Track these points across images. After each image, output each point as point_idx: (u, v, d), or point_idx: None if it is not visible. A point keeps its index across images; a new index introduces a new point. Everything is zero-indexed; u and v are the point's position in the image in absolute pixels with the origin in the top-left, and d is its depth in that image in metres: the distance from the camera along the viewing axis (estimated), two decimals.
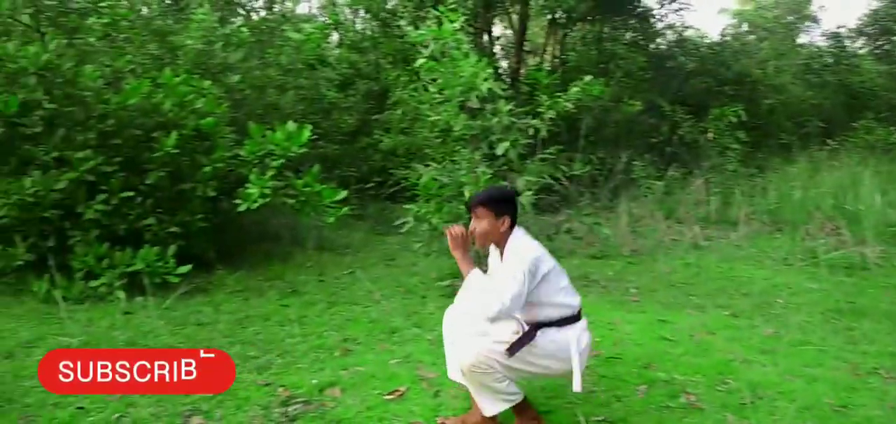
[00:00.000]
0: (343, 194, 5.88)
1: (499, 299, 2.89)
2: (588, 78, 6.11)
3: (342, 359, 4.01)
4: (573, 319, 3.07)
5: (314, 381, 3.62)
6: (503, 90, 5.13)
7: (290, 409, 3.31)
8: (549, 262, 3.05)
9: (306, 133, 5.69)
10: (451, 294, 5.27)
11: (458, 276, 5.42)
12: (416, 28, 9.41)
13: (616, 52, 11.95)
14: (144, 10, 7.68)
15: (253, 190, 5.52)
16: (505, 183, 5.25)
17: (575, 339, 3.01)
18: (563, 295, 3.05)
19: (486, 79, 4.94)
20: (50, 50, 5.02)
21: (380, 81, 10.03)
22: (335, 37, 11.84)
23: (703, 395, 3.56)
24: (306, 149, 5.77)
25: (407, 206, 5.63)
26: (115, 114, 5.40)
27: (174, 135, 5.43)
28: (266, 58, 8.76)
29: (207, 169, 5.69)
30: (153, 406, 3.32)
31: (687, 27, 14.25)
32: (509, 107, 5.03)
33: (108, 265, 5.21)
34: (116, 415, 3.20)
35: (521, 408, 3.13)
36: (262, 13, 10.71)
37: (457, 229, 3.13)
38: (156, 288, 5.13)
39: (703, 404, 3.45)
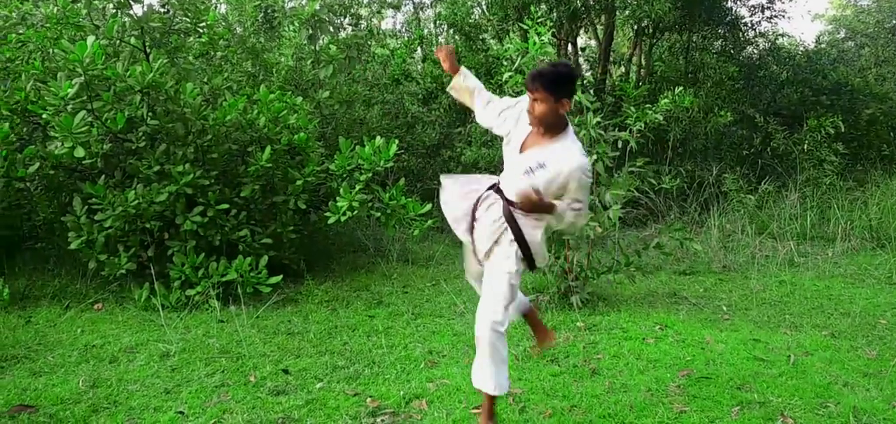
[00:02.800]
0: (427, 207, 5.95)
1: (582, 211, 3.00)
2: (678, 89, 5.98)
3: (428, 371, 4.05)
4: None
5: (401, 392, 3.66)
6: (590, 102, 5.07)
7: (378, 420, 3.37)
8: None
9: (393, 147, 5.80)
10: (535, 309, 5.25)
11: (542, 290, 5.42)
12: (501, 42, 9.49)
13: (705, 61, 11.61)
14: (239, 29, 8.01)
15: (342, 203, 5.66)
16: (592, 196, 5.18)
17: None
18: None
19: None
20: (154, 69, 5.29)
21: None
22: (419, 51, 12.01)
23: (802, 419, 3.41)
24: (391, 162, 5.88)
25: None
26: (213, 129, 5.64)
27: (268, 149, 5.62)
28: (353, 74, 8.98)
29: (299, 182, 5.86)
30: (248, 412, 3.44)
31: (780, 35, 13.73)
32: (597, 119, 4.96)
33: (203, 274, 5.44)
34: (213, 421, 3.32)
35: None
36: (349, 30, 10.99)
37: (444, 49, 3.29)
38: (248, 297, 5.33)
39: None
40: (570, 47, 11.06)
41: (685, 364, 4.16)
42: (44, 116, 5.19)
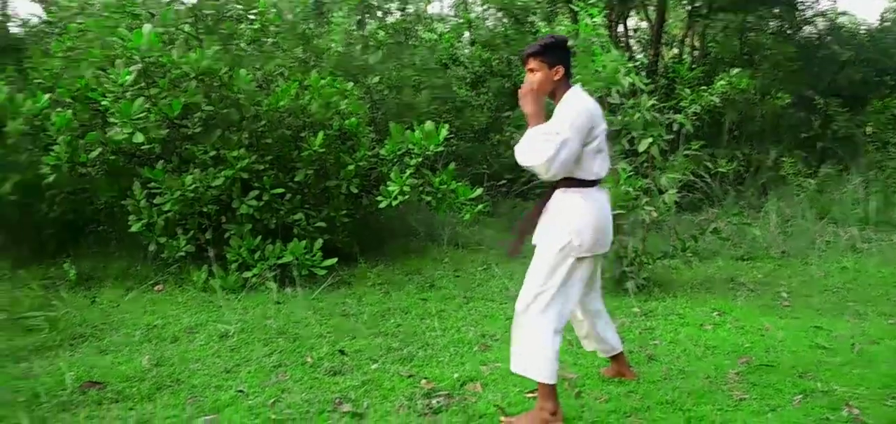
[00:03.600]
0: (478, 192, 5.94)
1: (552, 141, 2.89)
2: (735, 70, 5.83)
3: (481, 355, 4.04)
4: (592, 184, 3.10)
5: (455, 375, 3.67)
6: (644, 84, 4.98)
7: (433, 401, 3.37)
8: (602, 125, 3.07)
9: (444, 132, 5.79)
10: None
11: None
12: (550, 24, 9.38)
13: (761, 42, 11.29)
14: (289, 16, 8.08)
15: (393, 187, 5.69)
16: (646, 180, 5.10)
17: (602, 203, 3.12)
18: (598, 162, 3.08)
19: (627, 74, 4.82)
20: (208, 56, 5.38)
21: (512, 78, 10.02)
22: (467, 35, 11.95)
23: (868, 409, 3.30)
24: (441, 147, 5.88)
25: None
26: (267, 115, 5.72)
27: (321, 134, 5.67)
28: (402, 59, 8.98)
29: (351, 167, 5.91)
30: (305, 391, 3.49)
31: (841, 13, 13.26)
32: (652, 101, 4.87)
33: (260, 257, 5.54)
34: (272, 400, 3.38)
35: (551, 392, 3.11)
36: (397, 15, 10.99)
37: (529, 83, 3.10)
38: (303, 279, 5.40)
39: (868, 419, 3.19)
40: (620, 28, 10.88)
41: (744, 351, 4.07)
42: (104, 103, 5.32)
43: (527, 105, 3.06)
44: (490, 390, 3.52)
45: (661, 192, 5.12)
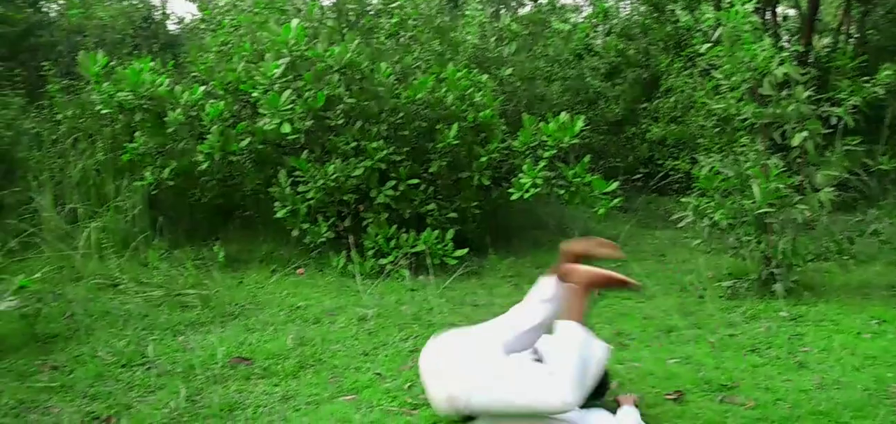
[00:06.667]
0: (614, 186, 5.80)
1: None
2: None
3: (617, 353, 3.94)
4: None
5: None
6: (800, 74, 4.66)
7: None
8: None
9: (579, 123, 5.70)
10: (731, 295, 4.96)
11: (740, 276, 5.09)
12: (691, 12, 8.98)
13: None
14: (425, 8, 8.22)
15: (525, 179, 5.66)
16: (799, 177, 4.78)
17: None
18: None
19: (781, 63, 4.53)
20: (351, 50, 5.56)
21: (649, 69, 9.70)
22: (601, 27, 11.67)
23: None
24: (576, 139, 5.78)
25: (684, 199, 5.37)
26: (404, 107, 5.86)
27: (455, 126, 5.74)
28: (534, 50, 8.92)
29: (483, 159, 5.93)
30: None
31: None
32: (807, 93, 4.55)
33: (395, 245, 5.68)
34: (408, 384, 3.45)
35: None
36: (530, 7, 10.93)
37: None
38: (436, 268, 5.48)
39: None
40: (767, 15, 10.25)
41: None
42: (254, 94, 5.63)
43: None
44: (627, 389, 3.43)
45: (815, 190, 4.78)
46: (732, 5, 4.81)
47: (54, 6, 10.76)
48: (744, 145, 5.38)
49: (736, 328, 4.32)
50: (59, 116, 7.02)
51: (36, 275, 4.60)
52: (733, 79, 4.88)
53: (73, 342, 4.08)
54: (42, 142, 6.92)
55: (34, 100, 7.86)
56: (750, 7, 4.63)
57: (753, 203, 4.74)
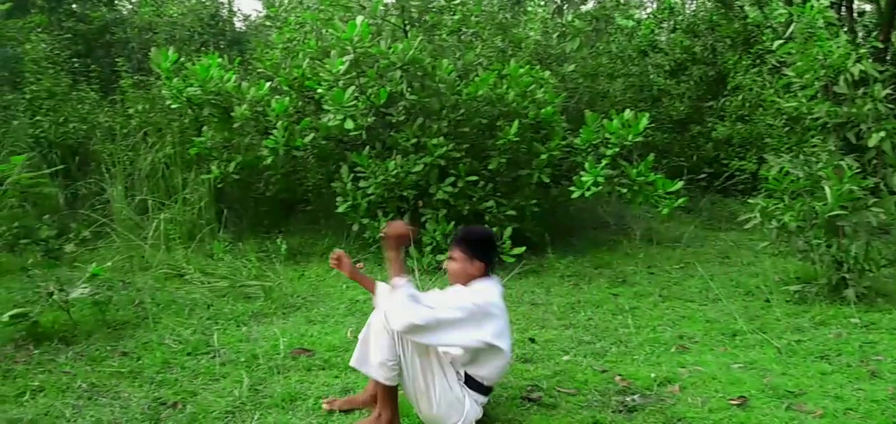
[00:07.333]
0: (678, 185, 5.68)
1: (430, 311, 2.73)
2: None
3: (679, 356, 3.86)
4: (486, 390, 2.95)
5: (652, 375, 3.53)
6: (878, 72, 4.47)
7: (628, 399, 3.28)
8: (504, 324, 2.90)
9: (644, 121, 5.60)
10: (799, 300, 4.80)
11: (809, 281, 4.92)
12: (760, 8, 8.72)
13: None
14: (486, 4, 8.20)
15: (587, 178, 5.59)
16: (874, 179, 4.59)
17: (469, 406, 2.87)
18: (498, 370, 2.91)
19: (858, 60, 4.35)
20: (414, 47, 5.59)
21: (716, 66, 9.45)
22: (666, 23, 11.43)
23: None
24: (640, 137, 5.68)
25: (751, 201, 5.22)
26: (465, 104, 5.85)
27: (516, 123, 5.70)
28: (597, 46, 8.80)
29: (543, 156, 5.89)
30: None
31: None
32: (887, 91, 4.37)
33: (452, 241, 5.67)
34: None
35: (391, 396, 2.93)
36: (592, 3, 10.78)
37: (397, 226, 2.96)
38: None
39: None
40: (842, 10, 9.86)
41: None
42: (319, 91, 5.72)
43: (388, 249, 2.92)
44: (689, 393, 3.36)
45: (891, 193, 4.58)
46: (806, 0, 4.66)
47: (127, 4, 11.18)
48: (815, 145, 5.21)
49: (804, 334, 4.19)
50: (131, 110, 7.28)
51: (107, 264, 4.77)
52: (806, 76, 4.72)
53: (141, 329, 4.23)
54: (114, 135, 7.18)
55: (107, 95, 8.18)
56: (825, 1, 4.47)
57: (825, 205, 4.58)
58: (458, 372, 2.90)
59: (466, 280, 3.00)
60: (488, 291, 2.93)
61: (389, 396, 2.94)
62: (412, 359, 2.83)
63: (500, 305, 2.91)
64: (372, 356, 2.88)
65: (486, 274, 3.01)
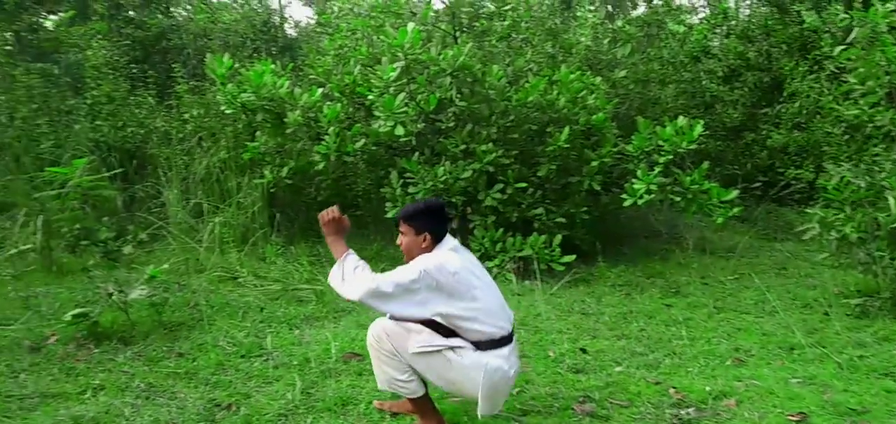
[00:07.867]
0: (733, 194, 5.56)
1: (380, 279, 2.80)
2: None
3: (735, 370, 3.77)
4: (497, 343, 2.87)
5: (707, 388, 3.45)
6: None
7: (682, 412, 3.21)
8: (463, 277, 2.86)
9: (698, 128, 5.51)
10: (860, 314, 4.65)
11: (871, 294, 4.76)
12: (818, 13, 8.48)
13: None
14: (537, 10, 8.16)
15: (639, 185, 5.51)
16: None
17: (485, 365, 2.82)
18: (483, 316, 2.85)
19: None
20: (463, 53, 5.59)
21: (771, 72, 9.22)
22: (720, 29, 11.20)
23: None
24: (694, 144, 5.58)
25: (809, 211, 5.08)
26: (515, 110, 5.83)
27: (567, 130, 5.65)
28: (649, 52, 8.68)
29: (594, 163, 5.83)
30: (549, 385, 3.50)
31: None
32: None
33: (501, 248, 5.68)
34: (517, 389, 3.43)
35: (423, 406, 3.01)
36: (643, 8, 10.63)
37: (330, 212, 3.06)
38: (542, 274, 5.43)
39: None
40: None
41: None
42: (369, 97, 5.76)
43: (328, 235, 3.07)
44: (746, 407, 3.28)
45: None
46: (869, 5, 4.51)
47: (183, 11, 11.47)
48: (877, 154, 5.04)
49: (866, 349, 4.04)
50: (186, 115, 7.45)
51: (164, 266, 4.88)
52: (868, 83, 4.57)
53: (196, 330, 4.32)
54: (170, 139, 7.36)
55: (163, 100, 8.39)
56: (890, 6, 4.32)
57: (888, 216, 4.43)
58: (466, 345, 2.87)
59: (419, 253, 3.01)
60: (436, 256, 2.93)
61: (420, 406, 3.02)
62: (427, 364, 2.88)
63: (448, 268, 2.86)
64: (385, 377, 2.97)
65: (436, 243, 3.02)
